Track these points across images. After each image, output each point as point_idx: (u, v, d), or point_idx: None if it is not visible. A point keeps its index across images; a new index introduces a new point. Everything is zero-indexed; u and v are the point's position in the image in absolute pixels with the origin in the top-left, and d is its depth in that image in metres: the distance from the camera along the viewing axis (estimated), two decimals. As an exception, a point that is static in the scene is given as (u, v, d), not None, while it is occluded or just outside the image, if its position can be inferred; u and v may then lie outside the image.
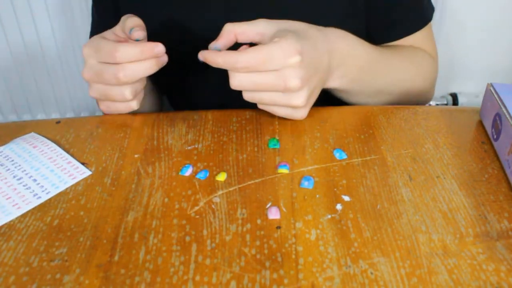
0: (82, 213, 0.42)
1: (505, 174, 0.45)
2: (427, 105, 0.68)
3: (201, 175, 0.45)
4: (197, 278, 0.35)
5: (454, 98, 1.41)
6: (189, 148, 0.49)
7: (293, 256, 0.37)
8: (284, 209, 0.41)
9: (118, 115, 0.56)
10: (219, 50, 0.49)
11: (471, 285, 0.34)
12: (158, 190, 0.44)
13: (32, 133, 0.53)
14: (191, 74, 0.67)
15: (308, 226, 0.39)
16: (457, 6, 1.27)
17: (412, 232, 0.39)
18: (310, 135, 0.51)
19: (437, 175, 0.45)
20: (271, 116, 0.54)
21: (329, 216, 0.40)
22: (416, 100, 0.65)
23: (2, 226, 0.41)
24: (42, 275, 0.36)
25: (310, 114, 0.54)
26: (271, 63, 0.46)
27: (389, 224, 0.40)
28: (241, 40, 0.51)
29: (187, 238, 0.39)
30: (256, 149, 0.49)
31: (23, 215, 0.42)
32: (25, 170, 0.47)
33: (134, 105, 0.54)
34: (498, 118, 0.47)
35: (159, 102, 0.73)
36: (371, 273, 0.35)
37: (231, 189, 0.44)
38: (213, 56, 0.47)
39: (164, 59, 0.51)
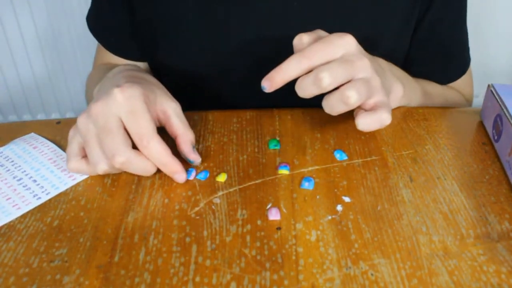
0: (82, 213, 0.42)
1: (506, 175, 0.45)
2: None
3: (201, 176, 0.45)
4: (197, 279, 0.35)
5: (455, 98, 1.41)
6: (189, 148, 0.49)
7: (294, 257, 0.37)
8: (284, 210, 0.41)
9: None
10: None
11: (472, 287, 0.34)
12: (158, 191, 0.44)
13: (32, 134, 0.53)
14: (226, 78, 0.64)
15: (309, 227, 0.39)
16: (458, 7, 1.26)
17: (413, 233, 0.39)
18: (310, 136, 0.51)
19: (437, 176, 0.45)
20: (272, 116, 0.54)
21: (330, 217, 0.40)
22: None
23: (2, 226, 0.41)
24: (42, 276, 0.36)
25: (310, 114, 0.54)
26: (331, 45, 0.44)
27: (390, 225, 0.39)
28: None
29: (187, 239, 0.39)
30: (256, 150, 0.49)
31: (23, 216, 0.42)
32: (25, 171, 0.47)
33: (89, 173, 0.46)
34: (499, 119, 0.47)
35: None
36: (372, 274, 0.35)
37: (231, 190, 0.44)
38: (276, 71, 0.44)
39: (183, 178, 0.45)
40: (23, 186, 0.45)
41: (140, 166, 0.43)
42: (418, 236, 0.38)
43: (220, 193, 0.43)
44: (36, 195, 0.44)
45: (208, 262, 0.37)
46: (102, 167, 0.43)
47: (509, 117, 0.45)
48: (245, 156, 0.48)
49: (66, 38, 1.23)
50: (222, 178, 0.45)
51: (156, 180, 0.45)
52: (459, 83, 0.71)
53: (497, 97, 0.49)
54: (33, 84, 1.30)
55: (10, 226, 0.41)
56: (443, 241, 0.38)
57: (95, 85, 0.52)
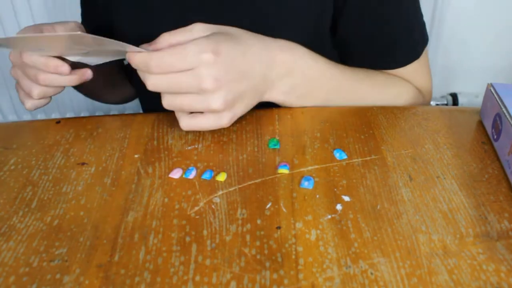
0: (82, 213, 0.42)
1: (505, 175, 0.45)
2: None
3: (207, 175, 0.45)
4: (197, 278, 0.35)
5: (454, 98, 1.41)
6: (189, 148, 0.49)
7: (293, 257, 0.37)
8: (284, 209, 0.41)
9: (118, 115, 0.56)
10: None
11: (471, 285, 0.34)
12: (158, 190, 0.44)
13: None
14: None
15: (308, 226, 0.39)
16: (458, 6, 1.27)
17: (412, 232, 0.39)
18: (310, 135, 0.51)
19: (437, 175, 0.45)
20: (271, 116, 0.54)
21: (329, 216, 0.40)
22: None
23: (2, 226, 0.41)
24: (42, 275, 0.36)
25: (310, 114, 0.54)
26: (184, 61, 0.45)
27: (389, 224, 0.39)
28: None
29: (187, 238, 0.39)
30: (256, 149, 0.49)
31: (23, 215, 0.42)
32: None
33: (29, 104, 0.56)
34: (498, 118, 0.47)
35: (125, 96, 0.75)
36: (371, 273, 0.35)
37: (231, 189, 0.44)
38: (131, 56, 0.46)
39: (89, 75, 0.54)
40: None
41: (59, 77, 0.52)
42: (418, 235, 0.38)
43: (220, 192, 0.43)
44: None
45: (208, 262, 0.37)
46: (35, 92, 0.54)
47: (508, 116, 0.45)
48: (245, 156, 0.48)
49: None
50: (222, 177, 0.45)
51: (156, 179, 0.45)
52: (409, 72, 0.62)
53: (496, 96, 0.49)
54: (33, 84, 1.30)
55: (10, 225, 0.41)
56: (442, 240, 0.38)
57: None
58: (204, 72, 0.45)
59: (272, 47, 0.52)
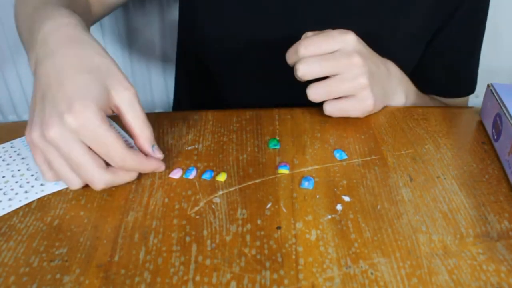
0: (82, 213, 0.42)
1: (506, 175, 0.45)
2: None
3: (207, 175, 0.45)
4: (197, 278, 0.35)
5: (454, 98, 1.40)
6: (189, 148, 0.49)
7: (293, 257, 0.37)
8: (284, 210, 0.41)
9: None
10: None
11: (471, 286, 0.34)
12: (158, 190, 0.44)
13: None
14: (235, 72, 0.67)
15: (308, 226, 0.39)
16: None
17: (413, 233, 0.39)
18: (310, 136, 0.51)
19: (437, 175, 0.45)
20: (271, 116, 0.54)
21: (329, 217, 0.40)
22: None
23: (2, 226, 0.41)
24: (42, 275, 0.36)
25: (310, 114, 0.54)
26: (331, 39, 0.48)
27: (390, 224, 0.39)
28: None
29: (187, 239, 0.39)
30: (256, 149, 0.49)
31: (23, 215, 0.42)
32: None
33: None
34: (498, 118, 0.47)
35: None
36: (371, 273, 0.35)
37: (231, 189, 0.44)
38: (297, 49, 0.49)
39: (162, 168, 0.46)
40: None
41: (122, 180, 0.43)
42: (418, 235, 0.38)
43: (220, 192, 0.43)
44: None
45: (208, 262, 0.37)
46: (79, 186, 0.42)
47: (508, 116, 0.45)
48: (245, 156, 0.48)
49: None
50: (222, 177, 0.45)
51: (156, 179, 0.45)
52: (460, 104, 0.70)
53: (496, 96, 0.49)
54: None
55: (10, 225, 0.41)
56: (442, 240, 0.38)
57: (26, 20, 0.52)
58: (351, 48, 0.49)
59: (385, 59, 0.56)
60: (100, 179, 0.41)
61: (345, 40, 0.49)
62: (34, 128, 0.40)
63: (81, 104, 0.39)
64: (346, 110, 0.51)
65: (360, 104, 0.51)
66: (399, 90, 0.57)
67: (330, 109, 0.51)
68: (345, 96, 0.51)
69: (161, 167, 0.45)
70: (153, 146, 0.44)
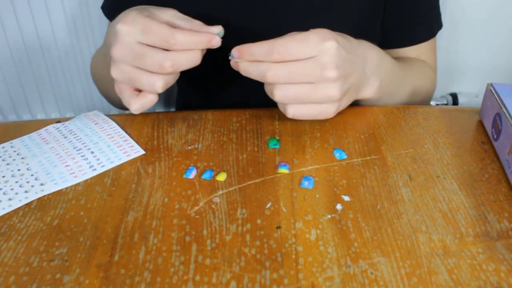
0: (82, 213, 0.42)
1: (505, 174, 0.45)
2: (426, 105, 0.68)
3: (207, 175, 0.45)
4: (197, 278, 0.35)
5: (454, 98, 1.41)
6: (189, 148, 0.49)
7: (293, 256, 0.37)
8: (284, 209, 0.41)
9: (118, 115, 0.56)
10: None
11: (471, 285, 0.34)
12: (158, 190, 0.44)
13: (96, 111, 0.57)
14: (218, 70, 0.64)
15: (308, 226, 0.39)
16: (457, 6, 1.27)
17: (412, 232, 0.39)
18: (310, 135, 0.51)
19: (437, 175, 0.45)
20: (271, 116, 0.54)
21: (329, 216, 0.40)
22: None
23: (2, 226, 0.41)
24: (42, 275, 0.36)
25: (310, 114, 0.54)
26: (307, 47, 0.44)
27: (389, 224, 0.40)
28: None
29: (187, 238, 0.39)
30: (256, 149, 0.49)
31: (23, 215, 0.42)
32: (85, 143, 0.51)
33: (153, 99, 0.49)
34: (498, 118, 0.47)
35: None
36: (371, 273, 0.35)
37: (231, 189, 0.44)
38: (247, 46, 0.46)
39: (215, 44, 0.48)
40: (82, 156, 0.49)
41: (186, 57, 0.46)
42: (418, 235, 0.38)
43: (220, 192, 0.43)
44: (92, 166, 0.47)
45: (208, 261, 0.37)
46: (159, 84, 0.47)
47: (508, 116, 0.45)
48: (244, 155, 0.48)
49: (66, 38, 1.23)
50: (222, 177, 0.45)
51: (156, 179, 0.45)
52: (426, 50, 0.69)
53: (496, 96, 0.49)
54: (33, 84, 1.30)
55: (10, 225, 0.41)
56: (442, 239, 0.38)
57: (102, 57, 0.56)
58: (327, 60, 0.45)
59: (362, 44, 0.53)
60: (165, 57, 0.45)
61: (323, 49, 0.45)
62: (111, 66, 0.49)
63: (125, 14, 0.48)
64: (310, 115, 0.48)
65: (325, 112, 0.48)
66: (373, 79, 0.53)
67: (293, 112, 0.47)
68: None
69: (216, 38, 0.46)
70: (218, 32, 0.47)
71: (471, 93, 1.41)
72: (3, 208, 0.42)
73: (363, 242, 0.38)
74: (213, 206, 0.42)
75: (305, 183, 0.44)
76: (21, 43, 1.22)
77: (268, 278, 0.35)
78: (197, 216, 0.41)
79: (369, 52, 0.53)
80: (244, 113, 0.55)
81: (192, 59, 0.46)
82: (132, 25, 0.46)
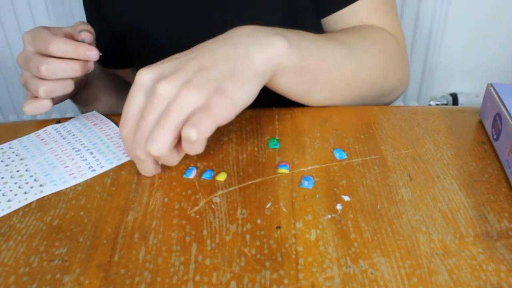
0: (82, 213, 0.42)
1: (505, 174, 0.45)
2: (426, 105, 0.67)
3: (207, 175, 0.45)
4: (197, 278, 0.35)
5: (454, 98, 1.41)
6: (189, 148, 0.49)
7: (293, 256, 0.37)
8: (284, 209, 0.41)
9: (118, 115, 0.56)
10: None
11: (471, 285, 0.34)
12: (158, 190, 0.44)
13: (94, 112, 0.57)
14: None
15: (308, 226, 0.39)
16: (457, 6, 1.27)
17: (412, 232, 0.39)
18: (310, 135, 0.51)
19: (437, 175, 0.45)
20: (271, 116, 0.54)
21: (329, 216, 0.40)
22: (381, 88, 0.58)
23: (2, 226, 0.41)
24: (42, 275, 0.36)
25: (310, 114, 0.54)
26: (147, 111, 0.41)
27: (389, 224, 0.40)
28: None
29: (187, 238, 0.39)
30: (256, 149, 0.49)
31: (23, 215, 0.42)
32: (83, 144, 0.51)
33: (45, 105, 0.51)
34: (498, 118, 0.47)
35: (117, 103, 0.72)
36: (371, 273, 0.35)
37: (231, 189, 0.44)
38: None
39: (91, 66, 0.52)
40: (80, 157, 0.49)
41: (63, 64, 0.49)
42: (418, 235, 0.38)
43: (220, 192, 0.43)
44: (91, 167, 0.47)
45: (208, 261, 0.37)
46: (42, 89, 0.50)
47: (508, 116, 0.45)
48: (244, 155, 0.48)
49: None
50: (221, 177, 0.45)
51: (156, 179, 0.45)
52: (374, 12, 0.59)
53: (496, 96, 0.49)
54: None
55: (10, 225, 0.41)
56: (442, 240, 0.38)
57: None
58: (145, 90, 0.42)
59: (229, 32, 0.46)
60: (44, 63, 0.49)
61: (166, 96, 0.40)
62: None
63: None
64: (211, 125, 0.40)
65: (221, 108, 0.40)
66: (268, 40, 0.45)
67: (196, 135, 0.39)
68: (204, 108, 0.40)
69: (92, 50, 0.50)
70: (80, 31, 0.52)
71: (471, 93, 1.41)
72: (2, 210, 0.42)
73: (363, 242, 0.38)
74: (213, 206, 0.42)
75: (305, 183, 0.44)
76: (21, 43, 1.22)
77: (268, 278, 0.35)
78: (197, 216, 0.41)
79: (230, 32, 0.46)
80: (244, 113, 0.55)
81: (69, 68, 0.50)
82: (30, 34, 0.51)
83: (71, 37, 0.53)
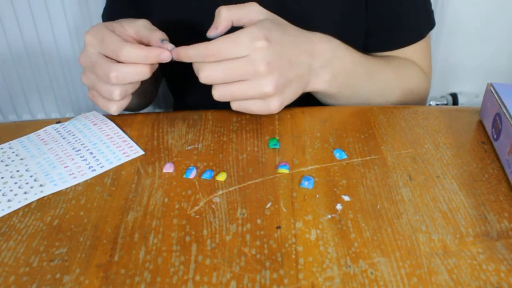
0: (82, 213, 0.42)
1: (505, 174, 0.45)
2: (426, 105, 0.68)
3: (207, 175, 0.45)
4: (197, 278, 0.35)
5: (454, 98, 1.41)
6: (189, 148, 0.49)
7: (293, 256, 0.37)
8: (284, 209, 0.41)
9: (118, 115, 0.56)
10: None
11: (471, 285, 0.34)
12: (158, 190, 0.44)
13: (94, 112, 0.57)
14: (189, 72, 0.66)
15: (308, 226, 0.39)
16: (457, 6, 1.27)
17: (412, 232, 0.39)
18: (310, 135, 0.51)
19: (437, 175, 0.45)
20: (271, 116, 0.54)
21: (329, 216, 0.40)
22: None
23: (2, 226, 0.41)
24: (42, 275, 0.36)
25: (310, 114, 0.54)
26: (239, 48, 0.46)
27: (389, 224, 0.39)
28: (235, 25, 0.51)
29: (187, 238, 0.39)
30: (256, 149, 0.49)
31: (23, 215, 0.42)
32: (83, 144, 0.51)
33: (114, 108, 0.52)
34: (498, 118, 0.47)
35: (146, 103, 0.74)
36: (371, 273, 0.35)
37: (231, 189, 0.44)
38: (184, 49, 0.48)
39: (156, 65, 0.51)
40: (80, 157, 0.49)
41: (132, 70, 0.48)
42: (418, 235, 0.38)
43: (220, 192, 0.43)
44: (91, 167, 0.47)
45: (208, 261, 0.37)
46: (117, 93, 0.50)
47: (508, 116, 0.45)
48: (244, 155, 0.48)
49: (66, 39, 1.23)
50: (222, 177, 0.45)
51: (156, 179, 0.45)
52: (416, 53, 0.67)
53: (496, 96, 0.49)
54: (33, 84, 1.30)
55: (10, 225, 0.41)
56: (442, 239, 0.38)
57: None
58: (258, 57, 0.47)
59: (313, 38, 0.53)
60: (111, 69, 0.48)
61: (254, 47, 0.47)
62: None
63: (93, 26, 0.52)
64: (252, 110, 0.50)
65: (265, 107, 0.50)
66: (324, 71, 0.54)
67: (236, 106, 0.50)
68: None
69: (165, 52, 0.48)
70: (162, 40, 0.50)
71: (471, 93, 1.41)
72: (2, 210, 0.42)
73: (363, 242, 0.38)
74: (213, 206, 0.42)
75: (305, 183, 0.44)
76: (21, 43, 1.22)
77: (268, 278, 0.35)
78: (197, 216, 0.41)
79: (320, 45, 0.53)
80: (244, 113, 0.55)
81: (138, 72, 0.49)
82: (94, 36, 0.50)
83: (136, 36, 0.52)
